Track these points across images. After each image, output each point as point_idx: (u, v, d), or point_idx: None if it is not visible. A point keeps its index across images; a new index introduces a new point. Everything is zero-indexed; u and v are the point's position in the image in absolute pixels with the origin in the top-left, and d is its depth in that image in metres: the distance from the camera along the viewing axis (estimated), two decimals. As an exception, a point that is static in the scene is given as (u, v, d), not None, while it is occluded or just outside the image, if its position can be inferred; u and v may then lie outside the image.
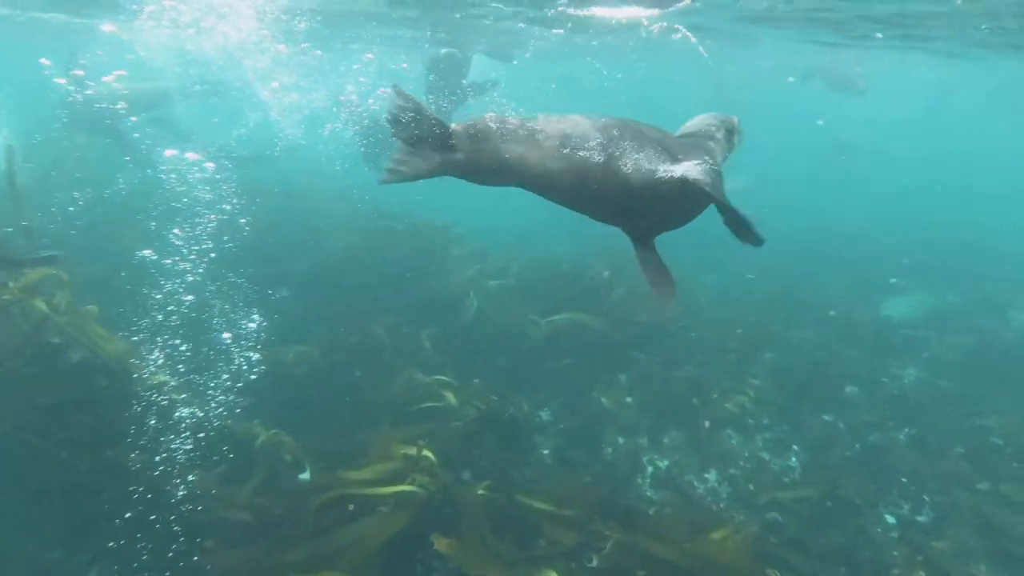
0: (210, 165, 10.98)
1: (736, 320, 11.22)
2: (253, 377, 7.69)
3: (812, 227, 18.26)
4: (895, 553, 6.36)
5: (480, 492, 5.87)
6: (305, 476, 6.27)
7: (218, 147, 13.08)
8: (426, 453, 5.98)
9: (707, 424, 8.45)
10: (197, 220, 9.35)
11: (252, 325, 8.36)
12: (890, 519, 6.88)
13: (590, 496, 6.83)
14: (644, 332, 9.96)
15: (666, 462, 7.97)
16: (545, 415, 8.73)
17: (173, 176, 10.34)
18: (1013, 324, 11.26)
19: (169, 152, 11.85)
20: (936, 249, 15.75)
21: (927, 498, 7.06)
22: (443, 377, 7.93)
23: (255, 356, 7.92)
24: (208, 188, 10.15)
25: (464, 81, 13.09)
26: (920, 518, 6.86)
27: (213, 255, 8.70)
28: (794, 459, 8.01)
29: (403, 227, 12.59)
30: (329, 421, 7.28)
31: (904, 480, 7.31)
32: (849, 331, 10.78)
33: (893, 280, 13.53)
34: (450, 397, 7.56)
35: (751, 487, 7.37)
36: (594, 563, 5.49)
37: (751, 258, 15.38)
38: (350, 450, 6.38)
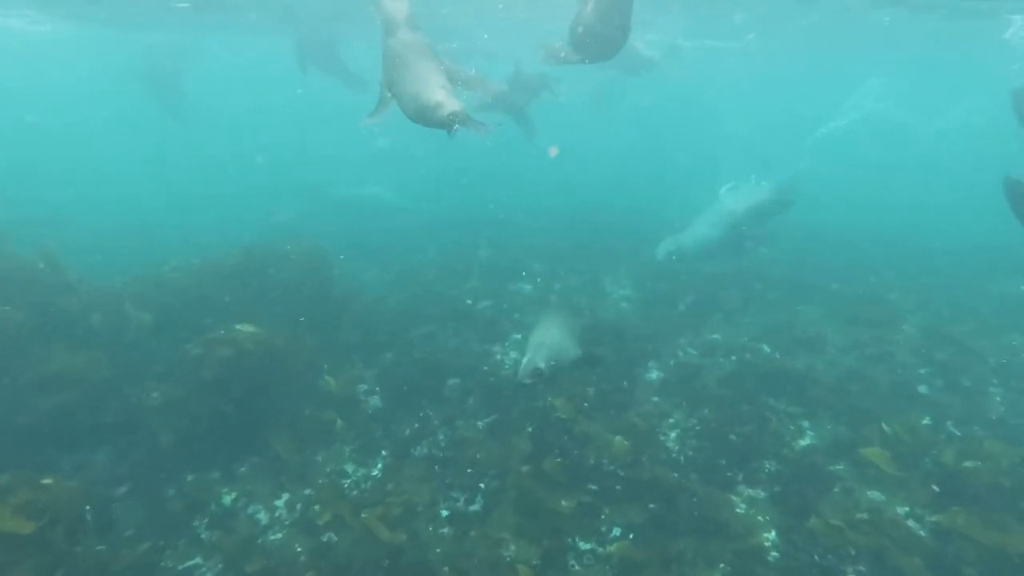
0: None
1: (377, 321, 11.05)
2: None
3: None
4: (437, 550, 6.34)
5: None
6: None
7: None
8: None
9: None
10: None
11: None
12: (444, 513, 6.88)
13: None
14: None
15: (233, 495, 7.22)
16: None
17: None
18: (609, 300, 12.59)
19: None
20: (572, 233, 17.22)
21: (483, 485, 7.23)
22: None
23: None
24: None
25: None
26: (472, 507, 6.95)
27: None
28: (379, 465, 7.76)
29: None
30: None
31: (469, 471, 7.43)
32: (467, 322, 11.04)
33: (524, 273, 14.30)
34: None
35: (317, 508, 6.92)
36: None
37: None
38: None
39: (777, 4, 16.48)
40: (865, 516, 6.75)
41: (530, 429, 8.07)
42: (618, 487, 7.03)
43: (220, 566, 6.40)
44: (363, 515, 6.49)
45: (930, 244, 17.83)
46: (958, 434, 8.36)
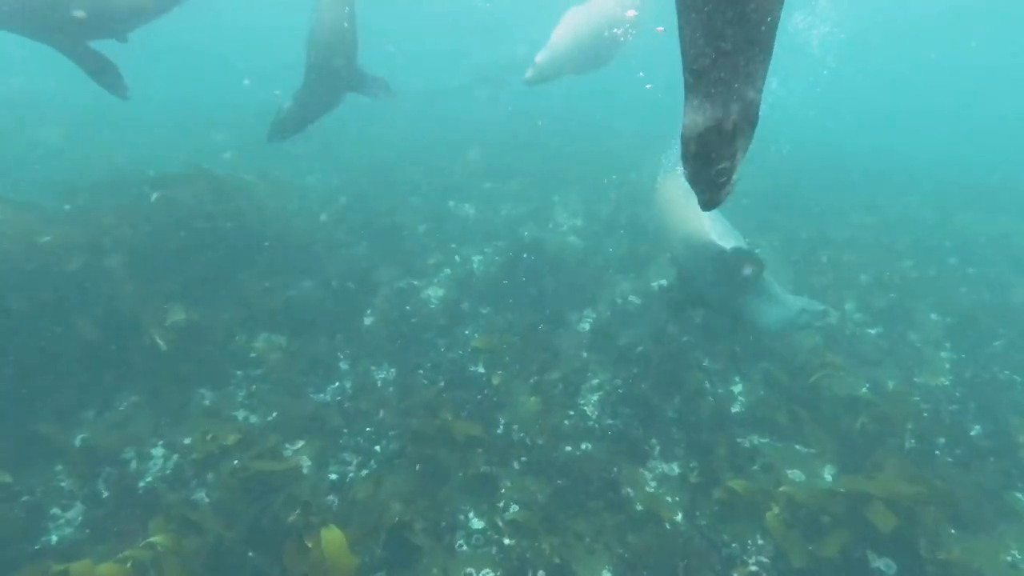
0: None
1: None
2: None
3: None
4: (313, 519, 5.85)
5: None
6: None
7: None
8: None
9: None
10: None
11: None
12: (332, 477, 6.37)
13: None
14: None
15: (108, 438, 6.60)
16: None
17: None
18: (557, 231, 11.72)
19: None
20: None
21: (379, 448, 6.68)
22: None
23: None
24: None
25: None
26: (364, 472, 6.44)
27: None
28: (274, 414, 7.16)
29: None
30: None
31: (368, 429, 6.87)
32: (397, 248, 10.16)
33: (471, 191, 13.25)
34: None
35: (195, 456, 6.35)
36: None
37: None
38: None
39: None
40: (779, 494, 6.39)
41: (442, 383, 7.48)
42: (524, 458, 6.54)
43: (80, 519, 5.90)
44: (239, 470, 5.94)
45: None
46: (893, 396, 7.96)
